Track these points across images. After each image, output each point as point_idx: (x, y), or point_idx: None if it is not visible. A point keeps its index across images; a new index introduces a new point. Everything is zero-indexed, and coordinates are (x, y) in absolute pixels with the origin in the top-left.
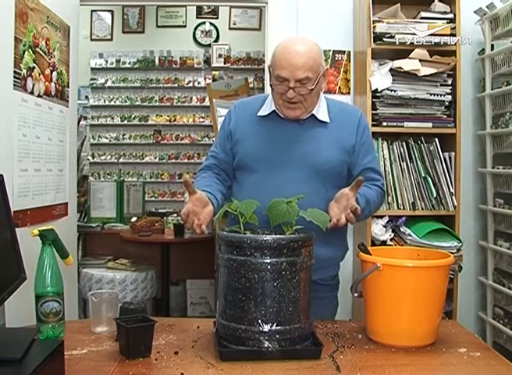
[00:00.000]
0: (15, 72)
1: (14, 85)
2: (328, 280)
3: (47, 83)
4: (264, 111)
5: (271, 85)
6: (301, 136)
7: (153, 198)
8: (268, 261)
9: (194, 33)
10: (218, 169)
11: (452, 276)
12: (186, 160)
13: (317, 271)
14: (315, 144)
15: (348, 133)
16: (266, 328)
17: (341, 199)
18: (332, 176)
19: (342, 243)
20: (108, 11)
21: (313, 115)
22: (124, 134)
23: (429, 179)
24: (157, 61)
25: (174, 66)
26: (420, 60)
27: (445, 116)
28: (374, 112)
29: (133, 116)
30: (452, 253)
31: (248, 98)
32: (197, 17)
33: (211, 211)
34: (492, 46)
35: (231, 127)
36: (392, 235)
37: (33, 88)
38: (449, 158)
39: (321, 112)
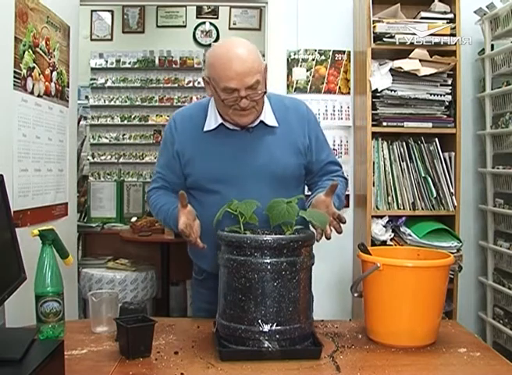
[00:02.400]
0: (15, 72)
1: (14, 85)
2: None
3: (47, 83)
4: (210, 125)
5: (221, 99)
6: (253, 146)
7: None
8: (268, 261)
9: (194, 33)
10: (170, 190)
11: (452, 276)
12: None
13: None
14: (270, 152)
15: (300, 134)
16: (266, 328)
17: (319, 206)
18: (293, 181)
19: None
20: (108, 11)
21: (261, 121)
22: (124, 134)
23: (429, 179)
24: (157, 61)
25: (174, 66)
26: (420, 60)
27: (445, 116)
28: (374, 112)
29: (133, 116)
30: (452, 253)
31: (187, 109)
32: (197, 17)
33: (199, 224)
34: (492, 46)
35: (177, 148)
36: (392, 235)
37: (33, 88)
38: (449, 158)
39: (268, 116)
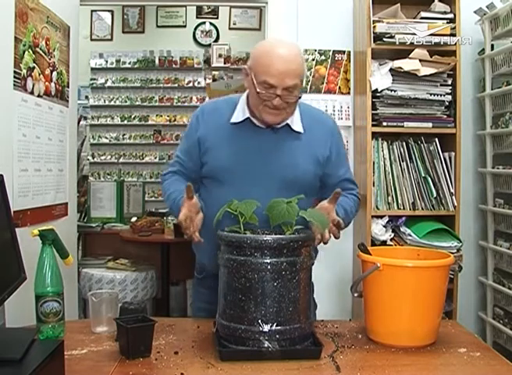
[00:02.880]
0: (15, 72)
1: (14, 85)
2: None
3: (47, 83)
4: (237, 118)
5: (257, 92)
6: (276, 147)
7: (153, 198)
8: (268, 261)
9: (194, 33)
10: (185, 177)
11: (452, 276)
12: None
13: None
14: (290, 156)
15: (322, 146)
16: (266, 328)
17: (321, 212)
18: (307, 190)
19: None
20: (108, 11)
21: (287, 124)
22: (124, 134)
23: (429, 179)
24: (157, 61)
25: (174, 66)
26: (420, 60)
27: (445, 116)
28: (374, 112)
29: (133, 116)
30: (452, 253)
31: (215, 102)
32: (197, 17)
33: (202, 218)
34: (492, 46)
35: (199, 135)
36: (392, 235)
37: (33, 88)
38: (449, 158)
39: (296, 121)
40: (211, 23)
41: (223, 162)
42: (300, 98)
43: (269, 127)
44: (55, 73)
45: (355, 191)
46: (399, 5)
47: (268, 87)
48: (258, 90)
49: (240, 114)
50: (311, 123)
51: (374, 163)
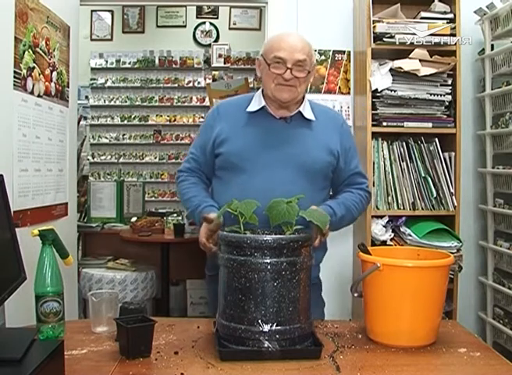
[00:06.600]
0: (15, 72)
1: (14, 85)
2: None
3: (47, 83)
4: (253, 107)
5: (269, 69)
6: (289, 135)
7: (153, 198)
8: (268, 261)
9: (194, 33)
10: (200, 173)
11: (452, 276)
12: None
13: None
14: (303, 144)
15: (333, 137)
16: (266, 328)
17: None
18: (320, 177)
19: (321, 245)
20: (108, 11)
21: (299, 112)
22: (124, 134)
23: (429, 179)
24: (157, 61)
25: (174, 66)
26: (420, 60)
27: (445, 116)
28: (374, 112)
29: (133, 116)
30: (452, 253)
31: (232, 99)
32: (197, 17)
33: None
34: (492, 46)
35: (215, 130)
36: (392, 235)
37: (33, 88)
38: (449, 158)
39: (307, 110)
40: (211, 23)
41: (239, 150)
42: (308, 73)
43: (282, 118)
44: (55, 73)
45: (365, 184)
46: (399, 5)
47: (280, 61)
48: (271, 67)
49: (256, 103)
50: (322, 116)
51: (374, 163)
